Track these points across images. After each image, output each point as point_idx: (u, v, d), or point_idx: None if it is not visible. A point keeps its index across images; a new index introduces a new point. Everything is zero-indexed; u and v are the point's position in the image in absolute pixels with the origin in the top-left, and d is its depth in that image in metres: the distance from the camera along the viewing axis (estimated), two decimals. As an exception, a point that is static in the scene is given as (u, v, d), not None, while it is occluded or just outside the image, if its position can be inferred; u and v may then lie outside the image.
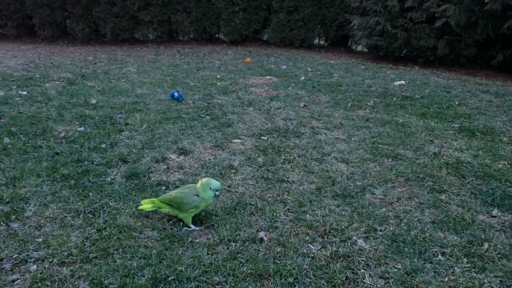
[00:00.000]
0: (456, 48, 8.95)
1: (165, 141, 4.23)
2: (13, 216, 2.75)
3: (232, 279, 2.23)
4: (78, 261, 2.35)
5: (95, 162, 3.61)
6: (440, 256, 2.47)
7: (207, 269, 2.30)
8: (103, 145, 4.01)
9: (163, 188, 3.25)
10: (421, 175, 3.50)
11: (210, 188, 2.61)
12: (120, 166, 3.57)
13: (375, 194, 3.18)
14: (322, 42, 13.64)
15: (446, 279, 2.28)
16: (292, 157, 3.87)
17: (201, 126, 4.75)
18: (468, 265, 2.39)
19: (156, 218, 2.82)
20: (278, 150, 4.04)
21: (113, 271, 2.26)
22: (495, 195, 3.16)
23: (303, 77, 7.23)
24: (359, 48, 13.02)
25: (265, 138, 4.41)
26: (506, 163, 3.72)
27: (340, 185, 3.30)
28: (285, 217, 2.86)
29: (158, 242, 2.55)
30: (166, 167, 3.63)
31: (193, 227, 2.69)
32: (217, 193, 2.63)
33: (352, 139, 4.34)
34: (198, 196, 2.60)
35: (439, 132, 4.51)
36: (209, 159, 3.83)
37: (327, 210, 2.92)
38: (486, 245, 2.57)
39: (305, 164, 3.72)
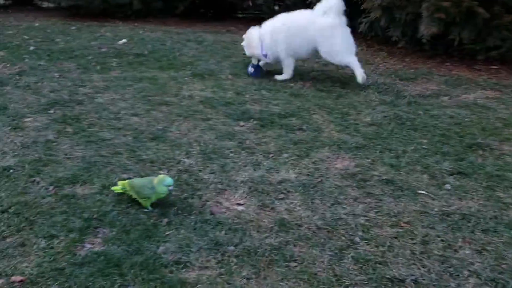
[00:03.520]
0: (146, 3, 10.63)
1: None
2: None
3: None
4: None
5: None
6: (231, 154, 4.19)
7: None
8: None
9: None
10: (190, 112, 5.11)
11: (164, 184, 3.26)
12: None
13: (173, 131, 4.62)
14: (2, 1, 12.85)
15: (246, 169, 4.04)
16: (93, 121, 4.79)
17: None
18: (253, 157, 4.22)
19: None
20: (76, 119, 4.84)
21: None
22: (237, 113, 5.09)
23: (32, 47, 7.47)
24: (46, 5, 13.00)
25: (52, 111, 5.05)
26: (232, 92, 5.74)
27: (148, 131, 4.57)
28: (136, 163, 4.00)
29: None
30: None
31: (149, 209, 3.28)
32: (170, 188, 3.25)
33: (126, 96, 5.51)
34: (151, 189, 3.20)
35: (181, 80, 6.17)
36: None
37: (154, 149, 4.21)
38: (248, 142, 4.45)
39: (108, 124, 4.74)
